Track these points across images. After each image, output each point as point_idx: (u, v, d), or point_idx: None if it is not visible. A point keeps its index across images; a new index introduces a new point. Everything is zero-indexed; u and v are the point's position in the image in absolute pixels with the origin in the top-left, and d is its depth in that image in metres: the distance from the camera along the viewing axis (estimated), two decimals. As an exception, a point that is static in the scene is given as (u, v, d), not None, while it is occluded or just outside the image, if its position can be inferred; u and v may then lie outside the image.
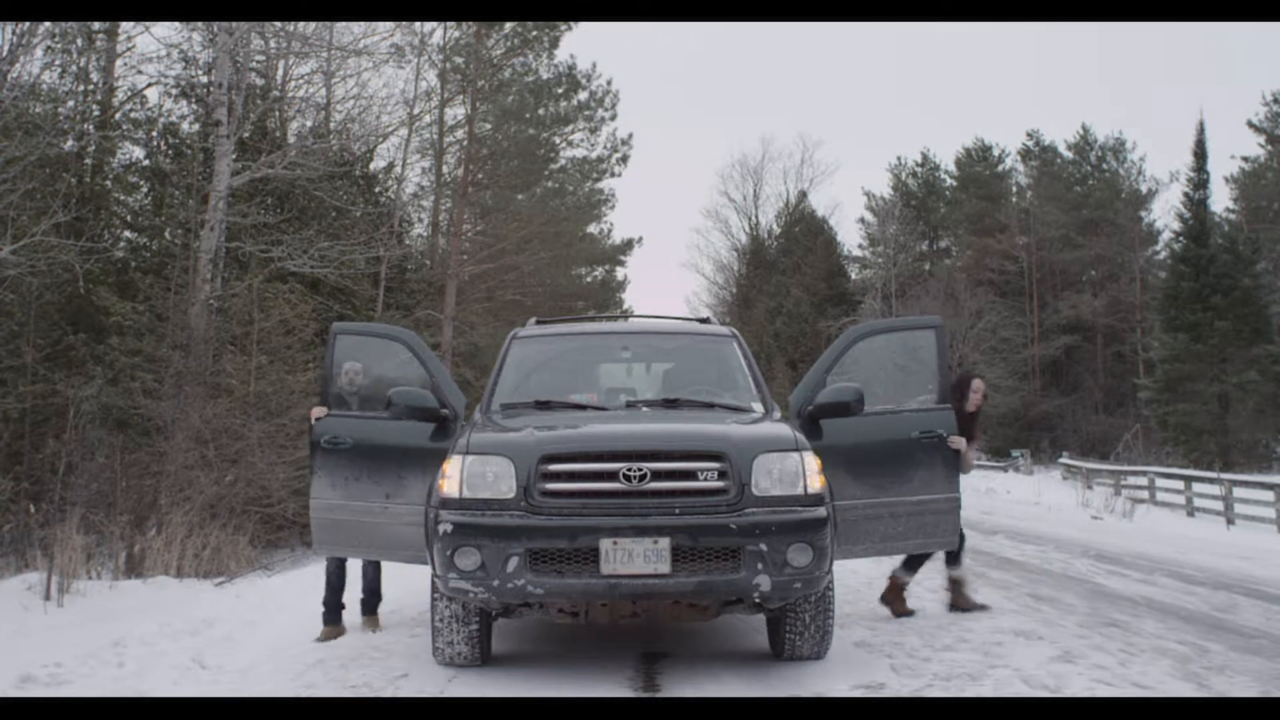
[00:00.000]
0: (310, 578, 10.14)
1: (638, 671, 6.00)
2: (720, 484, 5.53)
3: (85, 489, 12.50)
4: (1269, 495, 19.04)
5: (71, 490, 12.45)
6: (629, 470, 5.42)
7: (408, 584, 9.03)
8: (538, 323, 8.15)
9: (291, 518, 14.50)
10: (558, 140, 29.07)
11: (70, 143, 16.16)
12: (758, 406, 6.83)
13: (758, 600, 5.63)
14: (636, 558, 5.34)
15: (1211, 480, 22.02)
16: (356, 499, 6.92)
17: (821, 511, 5.60)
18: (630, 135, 30.84)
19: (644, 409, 6.73)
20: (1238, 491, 20.08)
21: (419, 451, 6.67)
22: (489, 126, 26.77)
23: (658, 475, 5.45)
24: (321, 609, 7.61)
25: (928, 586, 9.18)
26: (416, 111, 25.23)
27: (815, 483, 5.63)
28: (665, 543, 5.38)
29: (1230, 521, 19.48)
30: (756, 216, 65.25)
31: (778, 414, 6.74)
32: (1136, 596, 8.99)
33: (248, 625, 7.93)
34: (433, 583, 5.92)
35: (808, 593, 5.69)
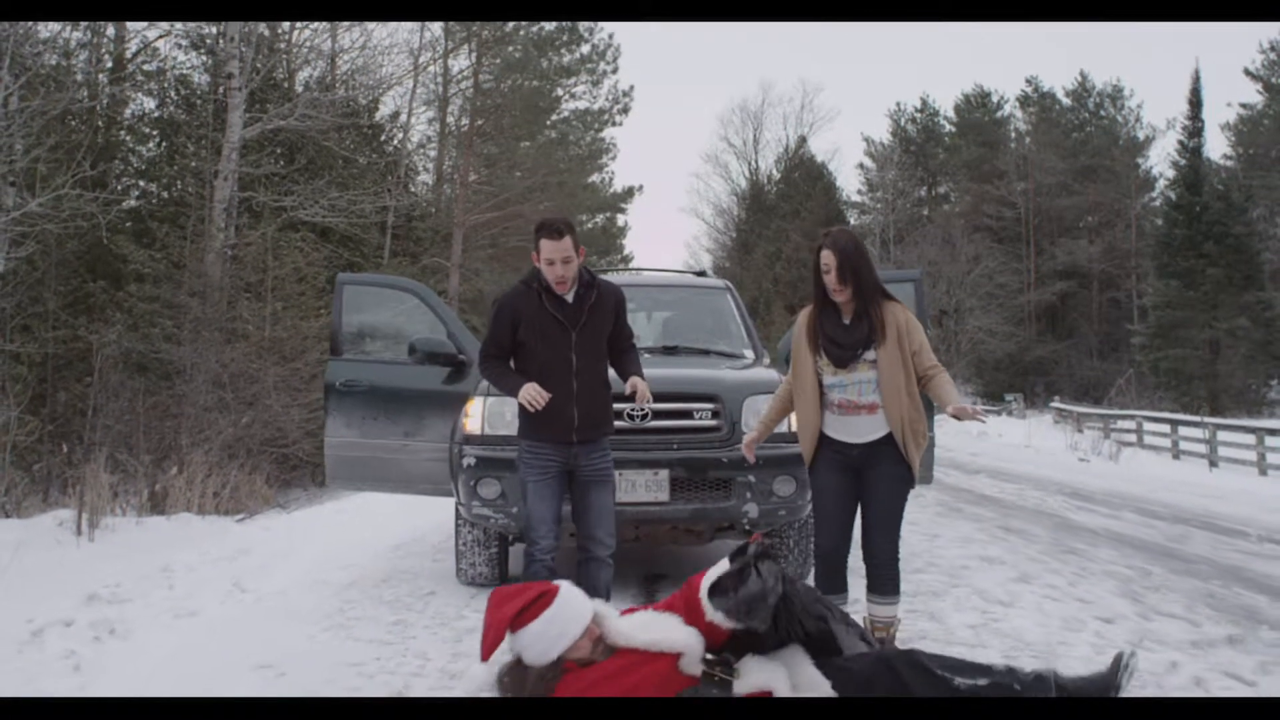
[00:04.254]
0: (329, 514, 10.81)
1: (640, 590, 6.69)
2: (714, 423, 6.18)
3: (109, 430, 13.02)
4: (1250, 439, 19.57)
5: (97, 431, 12.99)
6: (632, 410, 6.01)
7: (427, 516, 9.78)
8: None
9: (305, 458, 15.08)
10: (560, 92, 29.43)
11: (83, 94, 16.58)
12: (749, 353, 7.51)
13: (746, 526, 6.31)
14: (639, 487, 6.00)
15: (1196, 424, 22.56)
16: (373, 437, 7.34)
17: (803, 447, 6.24)
18: (631, 87, 31.33)
19: (645, 355, 7.36)
20: (1222, 435, 20.54)
21: (436, 394, 7.23)
22: (492, 78, 27.11)
23: (658, 415, 6.05)
24: None
25: (907, 520, 9.84)
26: (421, 61, 25.61)
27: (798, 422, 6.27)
28: (664, 474, 6.07)
29: (1213, 464, 19.92)
30: (756, 161, 65.45)
31: (767, 360, 7.41)
32: (1099, 528, 9.67)
33: (279, 555, 8.43)
34: (456, 510, 6.63)
35: (791, 520, 6.38)
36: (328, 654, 5.23)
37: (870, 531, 4.70)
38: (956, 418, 4.44)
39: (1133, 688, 4.44)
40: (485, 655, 3.29)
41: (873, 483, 4.63)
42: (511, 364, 5.02)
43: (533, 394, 4.70)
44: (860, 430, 4.63)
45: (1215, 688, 4.44)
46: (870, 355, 4.58)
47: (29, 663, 4.86)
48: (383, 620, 6.00)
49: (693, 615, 3.44)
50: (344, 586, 7.04)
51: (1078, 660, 4.91)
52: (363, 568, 7.80)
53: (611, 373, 5.13)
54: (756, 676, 3.32)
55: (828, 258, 4.58)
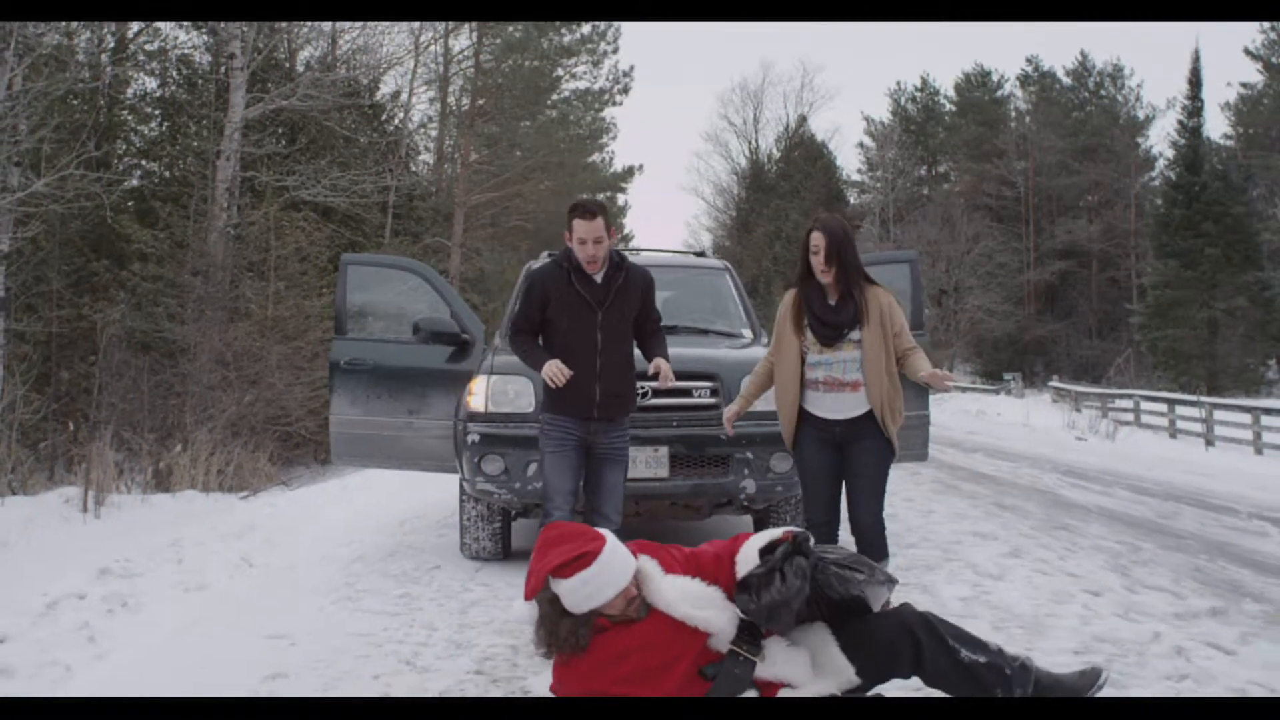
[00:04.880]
0: (333, 491, 10.95)
1: (640, 565, 6.85)
2: (712, 400, 6.32)
3: (114, 408, 13.13)
4: (1246, 418, 19.66)
5: (102, 409, 13.10)
6: (643, 388, 6.06)
7: (429, 493, 9.94)
8: (549, 256, 8.84)
9: (308, 436, 15.23)
10: (560, 72, 29.47)
11: (86, 74, 16.63)
12: (747, 333, 7.65)
13: (744, 501, 6.49)
14: (639, 464, 6.13)
15: (1193, 403, 22.64)
16: (378, 415, 7.47)
17: (800, 425, 6.38)
18: (631, 67, 31.38)
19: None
20: (1218, 414, 20.56)
21: (440, 373, 7.37)
22: (492, 58, 27.15)
23: (658, 393, 6.13)
24: None
25: (903, 496, 10.03)
26: (422, 41, 25.65)
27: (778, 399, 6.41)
28: (664, 451, 6.21)
29: (1209, 443, 19.96)
30: (756, 140, 65.29)
31: (765, 339, 7.52)
32: (1091, 505, 9.82)
33: (285, 530, 8.56)
34: (461, 486, 6.79)
35: (787, 495, 6.53)
36: (337, 625, 5.39)
37: (856, 503, 4.88)
38: (929, 384, 4.72)
39: (1115, 655, 4.60)
40: (527, 597, 3.40)
41: (856, 456, 4.82)
42: (539, 340, 5.14)
43: (554, 370, 4.80)
44: (844, 407, 4.82)
45: (1196, 657, 4.59)
46: (855, 335, 4.80)
47: (45, 634, 4.99)
48: (389, 593, 6.15)
49: (725, 572, 3.47)
50: (350, 561, 7.20)
51: (1064, 631, 5.07)
52: (368, 543, 7.96)
53: (637, 353, 5.27)
54: (778, 665, 3.36)
55: (817, 239, 4.80)
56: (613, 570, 3.32)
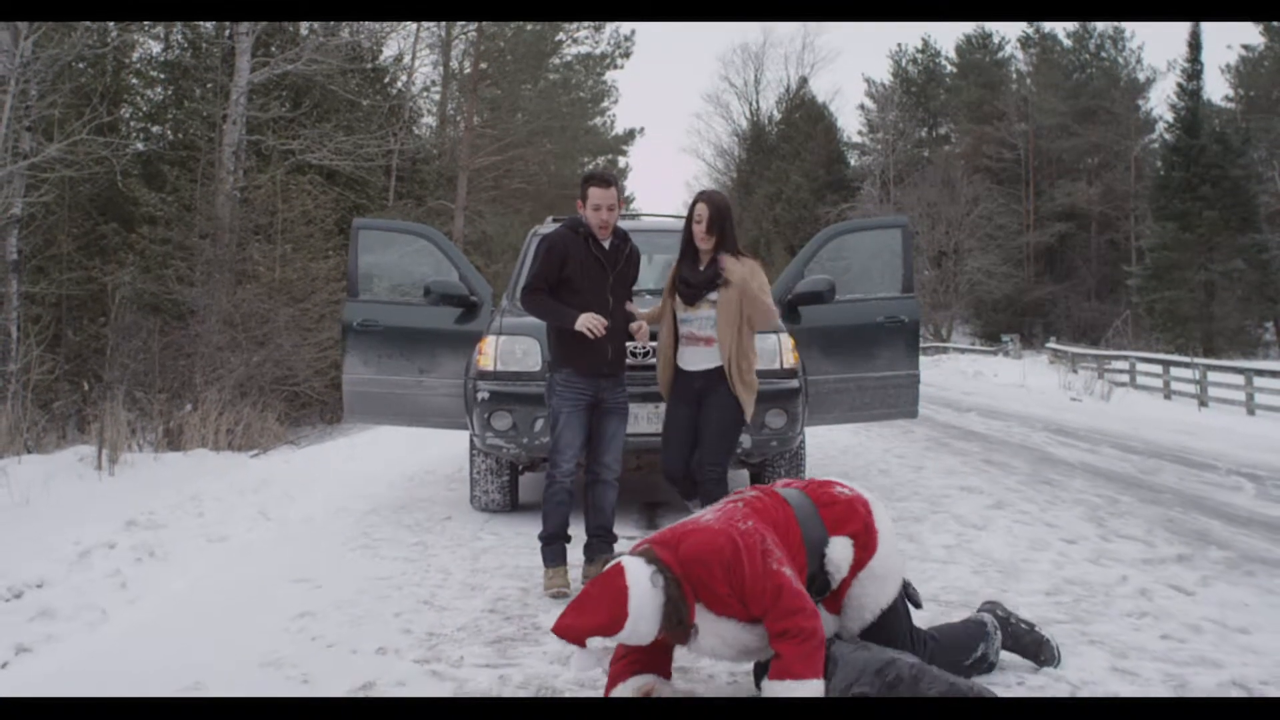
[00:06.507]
0: (342, 449, 11.27)
1: (641, 515, 7.26)
2: (711, 361, 6.62)
3: (126, 369, 13.38)
4: (1239, 379, 19.86)
5: (114, 370, 13.35)
6: (634, 348, 6.33)
7: (436, 451, 10.29)
8: (554, 220, 9.12)
9: (315, 395, 15.51)
10: (562, 36, 29.54)
11: (93, 39, 16.76)
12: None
13: (741, 456, 6.81)
14: (640, 420, 6.46)
15: (1186, 365, 22.87)
16: (389, 374, 7.77)
17: (794, 383, 6.71)
18: (633, 31, 31.32)
19: (646, 296, 7.78)
20: (1212, 375, 20.76)
21: (449, 333, 7.68)
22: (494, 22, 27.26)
23: (659, 353, 6.49)
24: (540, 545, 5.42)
25: (896, 454, 10.36)
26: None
27: (789, 359, 6.73)
28: (663, 408, 6.49)
29: (1203, 404, 20.10)
30: (757, 102, 65.38)
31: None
32: (1076, 462, 10.15)
33: (299, 486, 8.81)
34: (471, 442, 7.12)
35: (782, 450, 6.87)
36: (358, 570, 5.73)
37: (700, 449, 5.39)
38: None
39: (1083, 596, 4.93)
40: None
41: (706, 408, 5.38)
42: None
43: (595, 321, 5.14)
44: (698, 360, 5.42)
45: (1157, 597, 4.92)
46: (713, 296, 5.36)
47: (81, 580, 5.29)
48: (404, 541, 6.50)
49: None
50: (365, 513, 7.55)
51: (1038, 574, 5.40)
52: (380, 497, 8.30)
53: None
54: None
55: (701, 210, 5.37)
56: (636, 636, 3.27)
